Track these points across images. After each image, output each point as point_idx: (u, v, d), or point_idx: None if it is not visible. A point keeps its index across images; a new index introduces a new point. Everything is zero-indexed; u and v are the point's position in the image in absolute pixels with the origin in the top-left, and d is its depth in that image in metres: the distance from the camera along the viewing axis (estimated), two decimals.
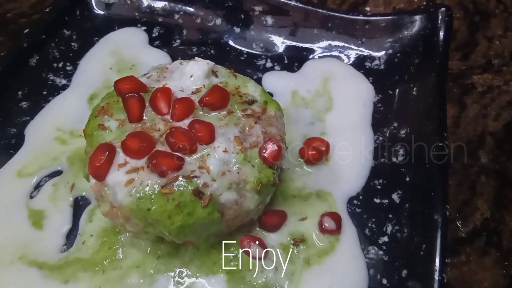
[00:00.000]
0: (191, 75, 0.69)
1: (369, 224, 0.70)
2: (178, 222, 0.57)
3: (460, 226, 0.75)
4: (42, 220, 0.72)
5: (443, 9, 0.87)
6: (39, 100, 0.89)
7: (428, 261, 0.59)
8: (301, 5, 0.96)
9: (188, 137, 0.61)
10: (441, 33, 0.85)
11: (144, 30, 1.02)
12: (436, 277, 0.57)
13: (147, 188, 0.58)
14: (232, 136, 0.63)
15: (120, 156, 0.60)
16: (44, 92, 0.90)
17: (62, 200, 0.74)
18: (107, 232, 0.70)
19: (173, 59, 0.96)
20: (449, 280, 0.65)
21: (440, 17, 0.86)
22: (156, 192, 0.57)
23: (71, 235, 0.71)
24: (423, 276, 0.59)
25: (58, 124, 0.85)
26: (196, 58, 0.72)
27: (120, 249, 0.67)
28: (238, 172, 0.60)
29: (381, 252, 0.67)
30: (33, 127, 0.85)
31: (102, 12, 1.04)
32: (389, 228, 0.68)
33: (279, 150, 0.63)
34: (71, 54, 0.97)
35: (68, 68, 0.95)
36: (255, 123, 0.65)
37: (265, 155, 0.62)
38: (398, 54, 0.90)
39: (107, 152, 0.60)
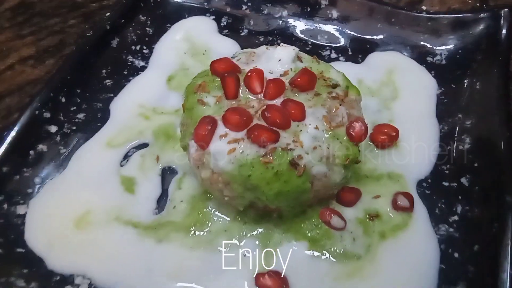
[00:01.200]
0: (279, 59, 0.74)
1: (439, 205, 0.75)
2: (275, 189, 0.63)
3: None
4: (133, 186, 0.79)
5: (506, 9, 0.91)
6: (121, 79, 0.96)
7: (500, 237, 0.64)
8: (366, 0, 1.01)
9: (283, 113, 0.67)
10: (504, 31, 0.90)
11: (213, 19, 1.08)
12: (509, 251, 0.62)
13: (248, 157, 0.63)
14: (321, 115, 0.68)
15: (221, 128, 0.66)
16: (125, 72, 0.97)
17: (151, 169, 0.81)
18: (196, 198, 0.76)
19: (242, 47, 1.02)
20: None
21: (503, 16, 0.91)
22: (256, 160, 0.63)
23: (161, 201, 0.78)
24: (495, 250, 0.64)
25: (141, 101, 0.91)
26: (282, 44, 0.78)
27: (209, 215, 0.74)
28: (328, 148, 0.66)
29: (451, 230, 0.72)
30: (117, 103, 0.91)
31: (174, 0, 1.10)
32: (459, 208, 0.73)
33: (365, 129, 0.68)
34: (146, 38, 1.04)
35: (145, 51, 1.02)
36: (340, 105, 0.71)
37: (352, 133, 0.68)
38: (460, 51, 0.95)
39: (211, 124, 0.66)
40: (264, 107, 0.68)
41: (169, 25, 1.07)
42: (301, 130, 0.66)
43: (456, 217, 0.73)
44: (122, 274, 0.69)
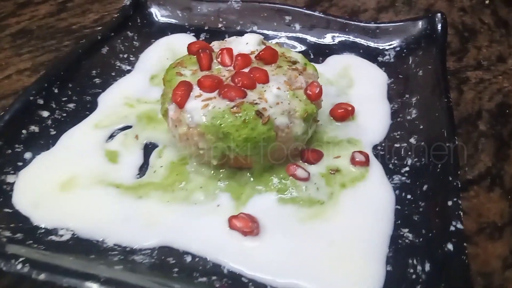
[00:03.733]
0: (247, 43, 0.88)
1: (392, 161, 0.84)
2: (244, 135, 0.72)
3: (467, 172, 0.88)
4: (117, 157, 0.86)
5: (439, 14, 1.09)
6: (108, 79, 1.07)
7: (446, 176, 0.72)
8: (323, 15, 1.18)
9: (249, 77, 0.78)
10: (439, 30, 1.06)
11: (193, 35, 1.24)
12: (454, 183, 0.70)
13: (219, 109, 0.73)
14: (282, 80, 0.80)
15: (196, 90, 0.77)
16: (113, 74, 1.08)
17: (133, 145, 0.89)
18: (175, 164, 0.83)
19: None
20: (462, 209, 0.77)
21: (437, 19, 1.08)
22: (227, 111, 0.73)
23: (143, 168, 0.84)
24: (442, 187, 0.72)
25: (126, 94, 1.02)
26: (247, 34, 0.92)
27: (187, 175, 0.81)
28: (289, 103, 0.76)
29: (403, 178, 0.80)
30: (104, 96, 1.01)
31: (158, 20, 1.26)
32: (409, 161, 0.82)
33: (320, 90, 0.80)
34: (133, 49, 1.17)
35: (131, 58, 1.14)
36: (299, 74, 0.82)
37: (309, 92, 0.79)
38: (405, 50, 1.11)
39: (187, 86, 0.76)
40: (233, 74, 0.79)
41: (153, 40, 1.22)
42: (265, 90, 0.77)
43: (407, 168, 0.82)
44: (102, 224, 0.74)
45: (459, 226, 0.65)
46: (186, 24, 1.26)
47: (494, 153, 0.93)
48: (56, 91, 0.96)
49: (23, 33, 1.36)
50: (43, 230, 0.73)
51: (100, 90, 1.03)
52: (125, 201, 0.77)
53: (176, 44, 1.19)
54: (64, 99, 0.97)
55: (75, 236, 0.72)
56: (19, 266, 0.60)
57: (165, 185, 0.80)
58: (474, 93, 1.10)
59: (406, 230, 0.71)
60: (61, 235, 0.72)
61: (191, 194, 0.78)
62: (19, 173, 0.82)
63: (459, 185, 0.70)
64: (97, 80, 1.05)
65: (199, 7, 1.26)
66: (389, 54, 1.12)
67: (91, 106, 0.99)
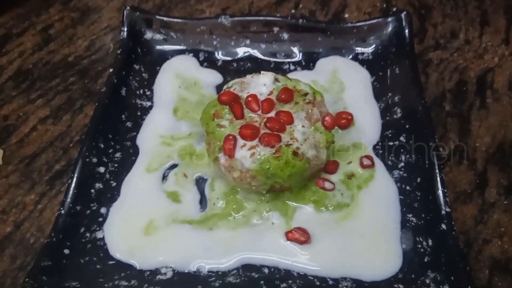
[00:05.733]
0: (264, 84, 1.05)
1: (390, 158, 1.10)
2: (287, 172, 0.93)
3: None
4: (178, 197, 1.05)
5: (404, 12, 1.28)
6: (137, 119, 1.20)
7: (431, 169, 0.99)
8: (306, 23, 1.34)
9: (279, 121, 0.97)
10: (406, 30, 1.27)
11: (192, 55, 1.36)
12: (438, 177, 0.98)
13: (264, 156, 0.93)
14: (303, 117, 1.00)
15: (240, 141, 0.96)
16: (139, 113, 1.22)
17: (186, 182, 1.08)
18: (227, 193, 1.04)
19: (222, 74, 1.31)
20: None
21: (403, 18, 1.28)
22: (271, 157, 0.93)
23: (202, 202, 1.05)
24: (431, 180, 0.99)
25: (159, 133, 1.17)
26: (262, 72, 1.08)
27: (241, 203, 1.03)
28: (313, 138, 0.98)
29: (401, 172, 1.07)
30: (141, 138, 1.16)
31: (155, 46, 1.35)
32: (403, 158, 1.09)
33: (333, 119, 1.01)
34: (145, 82, 1.28)
35: (147, 93, 1.27)
36: (313, 107, 1.03)
37: (326, 124, 1.00)
38: (380, 47, 1.31)
39: (233, 139, 0.95)
40: (265, 119, 0.98)
41: (158, 67, 1.33)
42: (293, 130, 0.97)
43: (402, 164, 1.08)
44: (190, 257, 0.96)
45: (448, 210, 0.94)
46: (183, 45, 1.37)
47: (459, 130, 1.22)
48: (102, 145, 1.10)
49: (22, 75, 1.40)
50: (148, 273, 0.94)
51: (135, 133, 1.18)
52: (200, 233, 0.99)
53: (180, 68, 1.32)
54: (110, 151, 1.12)
55: (175, 271, 0.94)
56: None
57: (226, 214, 1.02)
58: (437, 75, 1.35)
59: (411, 215, 1.00)
60: (165, 273, 0.94)
61: (249, 218, 1.01)
62: (103, 227, 1.01)
63: (443, 178, 0.98)
64: (129, 124, 1.19)
65: (191, 27, 1.36)
66: (367, 52, 1.33)
67: (134, 151, 1.14)
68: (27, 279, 0.85)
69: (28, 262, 1.01)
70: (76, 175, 1.02)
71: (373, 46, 1.32)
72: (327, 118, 1.01)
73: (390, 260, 0.94)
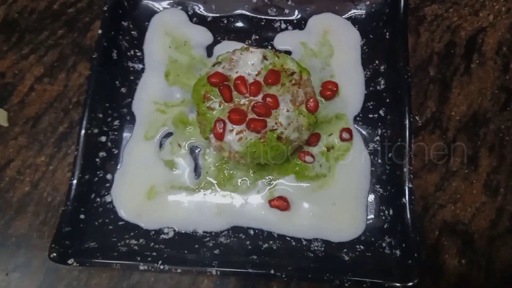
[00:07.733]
0: (252, 63, 1.08)
1: (368, 131, 1.20)
2: (272, 154, 1.04)
3: (418, 119, 1.26)
4: (174, 165, 1.18)
5: None
6: (131, 84, 1.25)
7: (403, 148, 1.10)
8: None
9: (265, 106, 1.04)
10: None
11: (181, 9, 1.32)
12: (407, 155, 1.09)
13: (251, 140, 1.03)
14: (288, 99, 1.06)
15: (229, 125, 1.04)
16: (132, 77, 1.26)
17: (180, 152, 1.19)
18: (219, 164, 1.17)
19: (212, 32, 1.30)
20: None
21: None
22: (257, 141, 1.03)
23: (197, 170, 1.18)
24: (401, 156, 1.10)
25: (153, 99, 1.23)
26: (250, 48, 1.10)
27: (231, 171, 1.16)
28: (297, 121, 1.06)
29: (376, 145, 1.18)
30: (137, 105, 1.23)
31: (143, 1, 1.31)
32: (379, 131, 1.18)
33: (316, 103, 1.08)
34: (135, 42, 1.29)
35: (138, 54, 1.28)
36: (299, 88, 1.08)
37: (309, 108, 1.07)
38: (374, 5, 1.28)
39: (222, 124, 1.03)
40: (252, 104, 1.04)
41: (146, 23, 1.31)
42: (278, 114, 1.05)
43: (378, 137, 1.18)
44: (188, 219, 1.13)
45: (410, 185, 1.08)
46: None
47: (438, 97, 1.28)
48: (100, 115, 1.18)
49: (10, 25, 1.38)
50: (153, 232, 1.13)
51: (130, 99, 1.24)
52: (195, 199, 1.15)
53: (170, 24, 1.31)
54: (109, 119, 1.20)
55: (176, 231, 1.13)
56: (161, 267, 1.03)
57: (218, 181, 1.16)
58: (428, 34, 1.34)
59: (378, 186, 1.15)
60: (167, 233, 1.12)
61: (238, 187, 1.16)
62: (111, 192, 1.16)
63: (412, 156, 1.09)
64: (123, 90, 1.24)
65: None
66: (361, 9, 1.30)
67: (131, 118, 1.22)
68: (53, 245, 1.03)
69: (50, 217, 1.19)
70: (80, 148, 1.12)
71: (367, 3, 1.29)
72: (310, 102, 1.07)
73: (355, 224, 1.12)
